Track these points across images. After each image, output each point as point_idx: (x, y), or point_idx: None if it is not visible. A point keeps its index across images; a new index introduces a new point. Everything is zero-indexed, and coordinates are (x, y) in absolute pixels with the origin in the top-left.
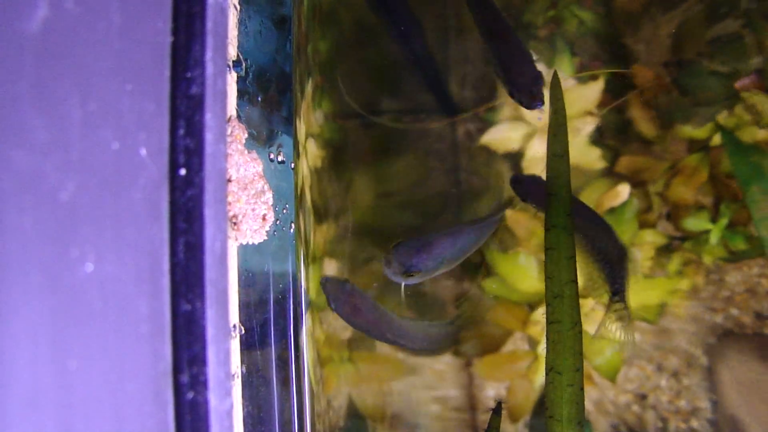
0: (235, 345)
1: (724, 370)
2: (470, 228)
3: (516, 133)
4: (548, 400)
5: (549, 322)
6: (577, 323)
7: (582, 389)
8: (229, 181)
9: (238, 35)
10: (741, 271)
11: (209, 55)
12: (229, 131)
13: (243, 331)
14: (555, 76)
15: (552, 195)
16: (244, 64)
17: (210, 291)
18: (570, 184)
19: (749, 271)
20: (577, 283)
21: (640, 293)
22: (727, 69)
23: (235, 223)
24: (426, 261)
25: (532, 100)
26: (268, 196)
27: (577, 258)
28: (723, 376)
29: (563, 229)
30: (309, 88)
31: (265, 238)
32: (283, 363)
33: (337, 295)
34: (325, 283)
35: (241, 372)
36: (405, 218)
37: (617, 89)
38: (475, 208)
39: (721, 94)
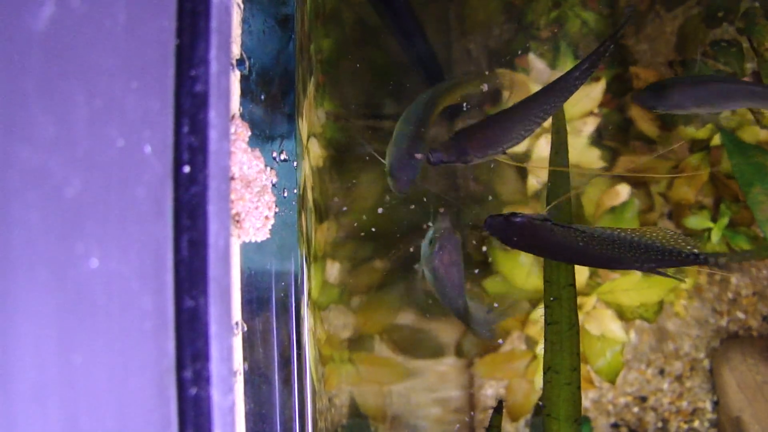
0: (237, 342)
1: (727, 373)
2: None
3: None
4: (546, 399)
5: (547, 324)
6: (575, 325)
7: (579, 388)
8: (233, 178)
9: (242, 34)
10: (749, 273)
11: (213, 53)
12: (232, 129)
13: (245, 329)
14: None
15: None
16: (247, 63)
17: (213, 288)
18: (570, 197)
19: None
20: (575, 286)
21: (639, 291)
22: (730, 69)
23: (238, 221)
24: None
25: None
26: (271, 194)
27: None
28: (726, 378)
29: None
30: (311, 87)
31: (268, 236)
32: (285, 361)
33: (446, 245)
34: (441, 232)
35: (244, 369)
36: (406, 216)
37: (619, 90)
38: (476, 212)
39: None
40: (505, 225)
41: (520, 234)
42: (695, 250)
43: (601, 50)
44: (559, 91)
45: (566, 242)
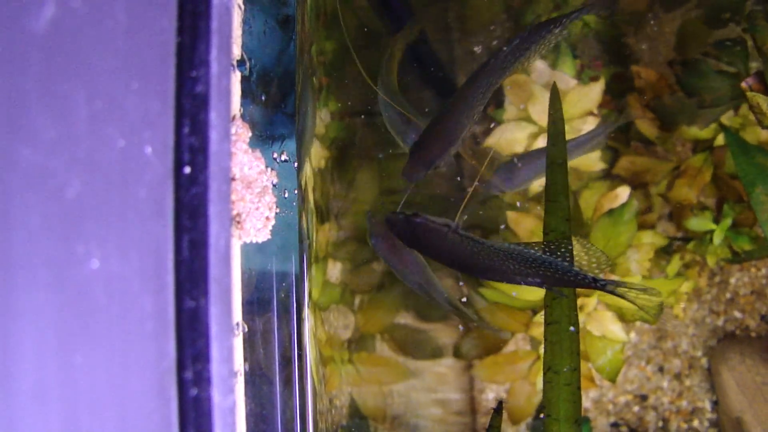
0: (238, 343)
1: (726, 372)
2: None
3: (522, 134)
4: (546, 399)
5: (547, 323)
6: (575, 324)
7: (579, 388)
8: (233, 179)
9: (243, 35)
10: (748, 272)
11: (214, 54)
12: (233, 130)
13: (246, 330)
14: (554, 87)
15: (551, 202)
16: (248, 64)
17: (214, 288)
18: (568, 190)
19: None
20: None
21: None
22: (733, 69)
23: (238, 222)
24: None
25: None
26: (272, 195)
27: None
28: (725, 378)
29: (561, 234)
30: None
31: (269, 237)
32: (285, 362)
33: (378, 232)
34: (370, 218)
35: (244, 370)
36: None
37: (618, 90)
38: (477, 212)
39: (726, 94)
40: (405, 223)
41: (414, 234)
42: (597, 273)
43: (532, 31)
44: (491, 69)
45: (455, 249)
